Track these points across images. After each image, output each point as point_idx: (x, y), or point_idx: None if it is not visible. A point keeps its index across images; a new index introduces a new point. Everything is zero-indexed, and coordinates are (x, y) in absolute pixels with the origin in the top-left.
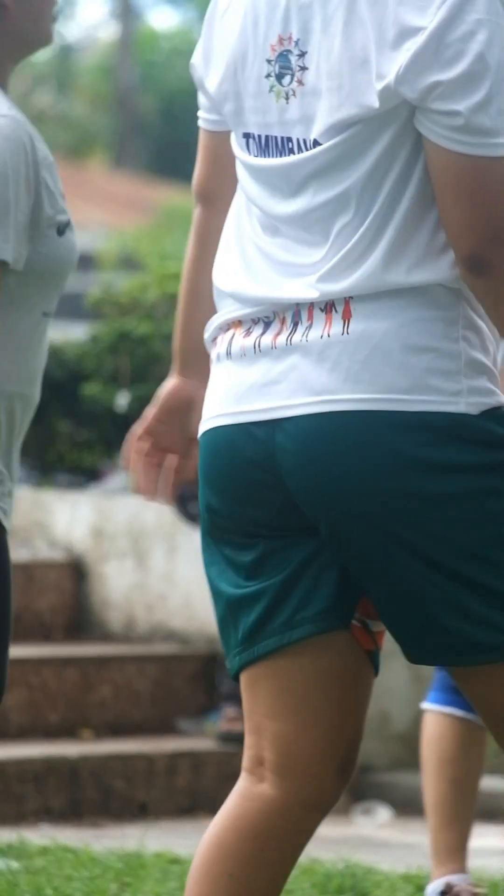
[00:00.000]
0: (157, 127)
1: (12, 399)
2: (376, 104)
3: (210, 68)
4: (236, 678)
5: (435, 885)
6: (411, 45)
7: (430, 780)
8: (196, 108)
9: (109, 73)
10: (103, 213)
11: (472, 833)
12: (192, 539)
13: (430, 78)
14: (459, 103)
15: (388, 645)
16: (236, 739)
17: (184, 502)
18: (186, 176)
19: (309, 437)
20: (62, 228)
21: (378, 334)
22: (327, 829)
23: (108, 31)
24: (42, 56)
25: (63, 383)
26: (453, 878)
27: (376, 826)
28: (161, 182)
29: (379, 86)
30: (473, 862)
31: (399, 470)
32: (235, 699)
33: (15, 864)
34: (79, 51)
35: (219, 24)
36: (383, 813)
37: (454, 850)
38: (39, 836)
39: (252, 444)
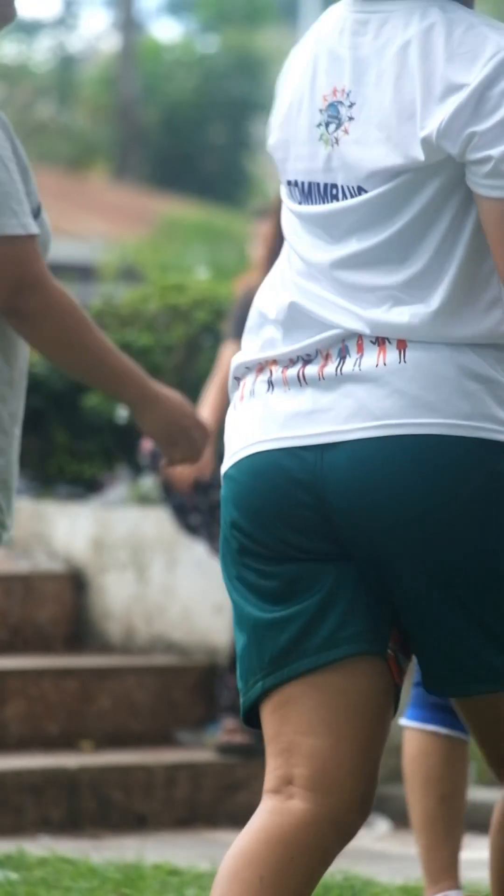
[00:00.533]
0: (158, 138)
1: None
2: (421, 156)
3: (273, 126)
4: (254, 705)
5: None
6: (454, 101)
7: (418, 799)
8: (197, 119)
9: (111, 84)
10: (104, 224)
11: (463, 846)
12: (192, 551)
13: (467, 130)
14: (492, 149)
15: None
16: (235, 751)
17: (184, 514)
18: (187, 187)
19: (367, 461)
20: (37, 211)
21: (436, 362)
22: None
23: (110, 43)
24: (44, 67)
25: (63, 394)
26: (450, 895)
27: (375, 838)
28: (162, 193)
29: (422, 137)
30: (465, 875)
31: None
32: (234, 711)
33: (14, 876)
34: (81, 62)
35: (283, 83)
36: (382, 825)
37: (448, 867)
38: (38, 847)
39: (299, 465)
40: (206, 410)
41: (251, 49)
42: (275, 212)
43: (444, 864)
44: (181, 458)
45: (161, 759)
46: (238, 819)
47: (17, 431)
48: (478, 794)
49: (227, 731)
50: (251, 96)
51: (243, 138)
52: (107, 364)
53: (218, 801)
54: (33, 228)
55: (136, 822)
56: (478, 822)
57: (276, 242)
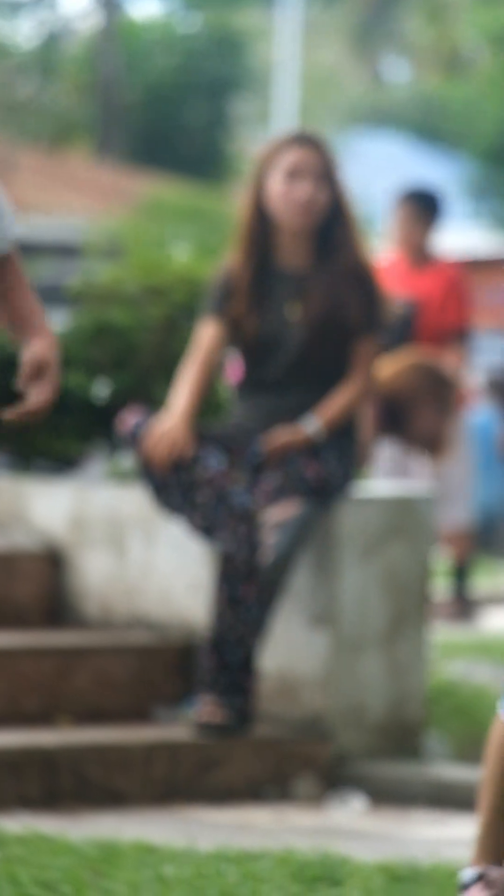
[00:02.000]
0: (139, 116)
1: None
2: None
3: None
4: None
5: (472, 871)
6: None
7: (493, 784)
8: (177, 98)
9: (92, 62)
10: (85, 202)
11: (442, 823)
12: (169, 529)
13: None
14: None
15: (365, 637)
16: (212, 729)
17: (162, 492)
18: (168, 166)
19: None
20: None
21: None
22: (302, 818)
23: (91, 21)
24: (25, 45)
25: None
26: (491, 869)
27: (351, 816)
28: (143, 172)
29: None
30: (449, 852)
31: None
32: (211, 688)
33: None
34: (62, 40)
35: None
36: (358, 802)
37: (499, 847)
38: (15, 824)
39: None
40: (182, 390)
41: (230, 29)
42: (251, 194)
43: (497, 845)
44: (43, 398)
45: (138, 737)
46: (215, 797)
47: None
48: (455, 772)
49: (204, 709)
50: (230, 76)
51: (222, 118)
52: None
53: (195, 779)
54: None
55: (114, 799)
56: (456, 799)
57: (253, 222)
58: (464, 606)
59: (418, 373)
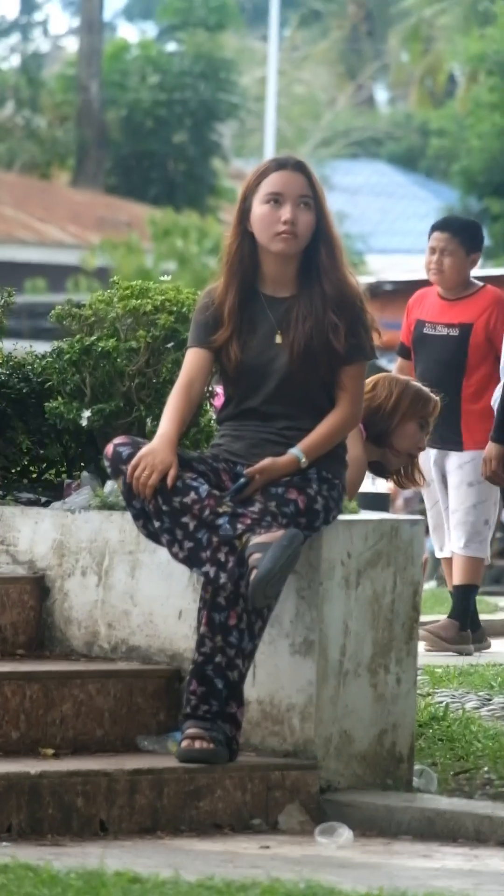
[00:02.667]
0: (121, 139)
1: None
2: None
3: None
4: None
5: None
6: None
7: None
8: (160, 120)
9: (75, 84)
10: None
11: (431, 854)
12: (154, 556)
13: None
14: None
15: (351, 665)
16: (197, 758)
17: (146, 519)
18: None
19: None
20: None
21: None
22: (288, 850)
23: (74, 44)
24: (5, 66)
25: (27, 398)
26: None
27: (337, 846)
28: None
29: None
30: (436, 883)
31: None
32: (196, 717)
33: None
34: (43, 63)
35: None
36: (344, 833)
37: None
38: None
39: None
40: (167, 417)
41: (215, 53)
42: (236, 219)
43: None
44: None
45: (123, 766)
46: (201, 826)
47: None
48: (443, 802)
49: (190, 737)
50: (215, 100)
51: (206, 142)
52: None
53: (180, 809)
54: None
55: (99, 829)
56: (444, 830)
57: (237, 247)
58: (477, 634)
59: (398, 387)
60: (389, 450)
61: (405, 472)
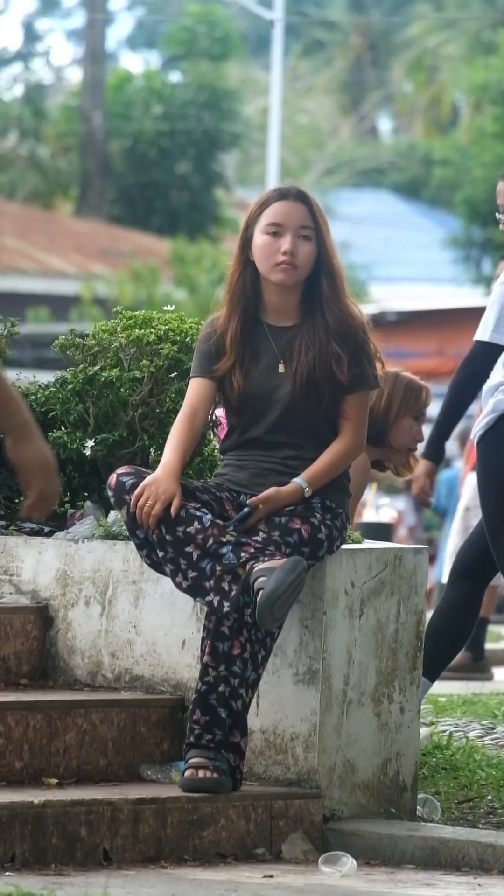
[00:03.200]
0: (124, 171)
1: None
2: None
3: None
4: None
5: None
6: None
7: None
8: (163, 151)
9: (78, 115)
10: (71, 257)
11: (434, 883)
12: (158, 586)
13: None
14: None
15: (355, 694)
16: (200, 787)
17: (149, 549)
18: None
19: None
20: None
21: None
22: (292, 879)
23: (78, 74)
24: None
25: None
26: None
27: (341, 875)
28: (128, 226)
29: None
30: None
31: None
32: (199, 747)
33: None
34: (47, 94)
35: None
36: (348, 862)
37: None
38: (3, 884)
39: None
40: (171, 447)
41: (218, 83)
42: (238, 249)
43: None
44: (39, 492)
45: (126, 795)
46: (204, 855)
47: None
48: (447, 831)
49: (192, 767)
50: (218, 130)
51: (209, 172)
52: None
53: (184, 838)
54: None
55: (102, 858)
56: (447, 859)
57: (240, 277)
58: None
59: (387, 384)
60: (388, 448)
61: (403, 464)
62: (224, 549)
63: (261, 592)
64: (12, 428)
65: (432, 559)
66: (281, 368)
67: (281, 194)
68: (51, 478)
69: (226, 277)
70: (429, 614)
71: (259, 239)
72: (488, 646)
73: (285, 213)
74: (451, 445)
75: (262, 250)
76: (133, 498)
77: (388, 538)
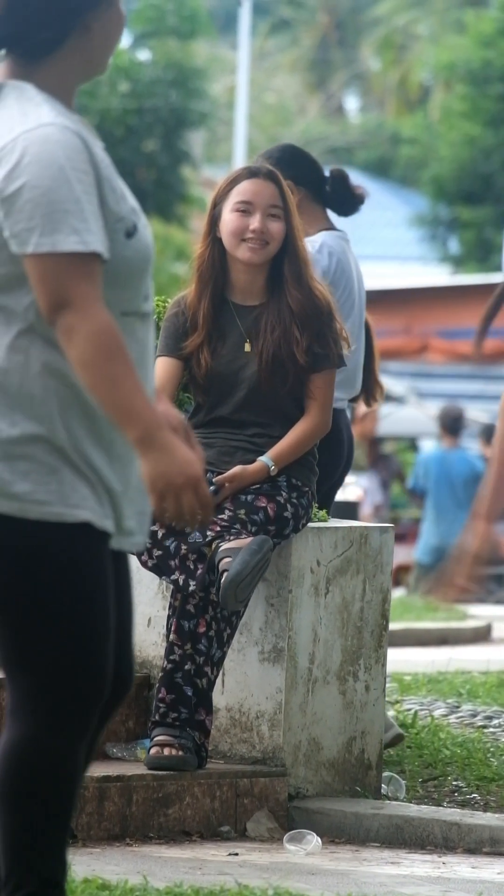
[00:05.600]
0: None
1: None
2: None
3: None
4: None
5: None
6: None
7: None
8: (130, 129)
9: None
10: None
11: (398, 861)
12: None
13: None
14: None
15: (320, 673)
16: (165, 765)
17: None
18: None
19: None
20: (130, 231)
21: None
22: (257, 857)
23: None
24: None
25: None
26: None
27: (306, 853)
28: None
29: None
30: (404, 890)
31: None
32: (165, 724)
33: None
34: None
35: None
36: (313, 840)
37: None
38: None
39: None
40: None
41: (186, 62)
42: (206, 226)
43: None
44: (166, 515)
45: (92, 773)
46: (169, 833)
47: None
48: (411, 809)
49: (158, 745)
50: (185, 109)
51: (177, 150)
52: (114, 398)
53: (149, 815)
54: (95, 246)
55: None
56: (412, 837)
57: (208, 256)
58: None
59: None
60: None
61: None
62: (189, 528)
63: (225, 574)
64: (132, 441)
65: (399, 538)
66: (247, 347)
67: (251, 172)
68: (168, 498)
69: (193, 255)
70: (396, 593)
71: (228, 216)
72: (452, 625)
73: (255, 191)
74: (429, 425)
75: (231, 227)
76: None
77: (354, 517)
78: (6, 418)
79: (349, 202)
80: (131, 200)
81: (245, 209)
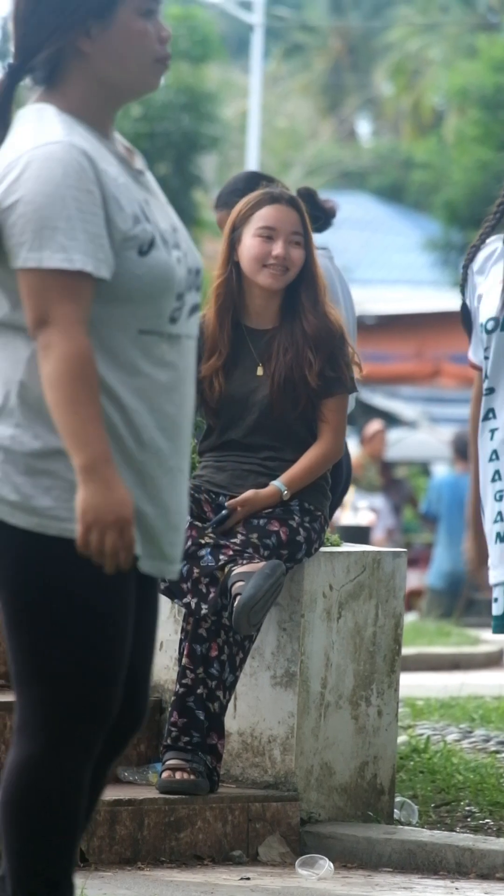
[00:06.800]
0: None
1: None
2: None
3: None
4: None
5: None
6: None
7: None
8: (142, 153)
9: None
10: None
11: (411, 886)
12: None
13: None
14: None
15: (332, 697)
16: (177, 789)
17: None
18: None
19: None
20: (144, 249)
21: None
22: (269, 881)
23: None
24: None
25: None
26: None
27: (318, 878)
28: None
29: None
30: None
31: None
32: (176, 749)
33: None
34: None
35: None
36: (325, 865)
37: None
38: None
39: None
40: None
41: (198, 86)
42: (225, 250)
43: None
44: (88, 549)
45: (104, 797)
46: (181, 857)
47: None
48: (423, 834)
49: (170, 768)
50: (197, 133)
51: (188, 174)
52: (70, 421)
53: (161, 839)
54: (82, 264)
55: (78, 859)
56: (423, 862)
57: (226, 279)
58: None
59: None
60: None
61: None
62: (202, 552)
63: (237, 598)
64: (76, 469)
65: (412, 563)
66: (259, 371)
67: (273, 198)
68: (93, 533)
69: (213, 279)
70: (409, 618)
71: (249, 241)
72: (465, 649)
73: (278, 217)
74: (442, 449)
75: (252, 253)
76: None
77: (366, 541)
78: (28, 431)
79: (321, 218)
80: (161, 219)
81: (268, 235)
